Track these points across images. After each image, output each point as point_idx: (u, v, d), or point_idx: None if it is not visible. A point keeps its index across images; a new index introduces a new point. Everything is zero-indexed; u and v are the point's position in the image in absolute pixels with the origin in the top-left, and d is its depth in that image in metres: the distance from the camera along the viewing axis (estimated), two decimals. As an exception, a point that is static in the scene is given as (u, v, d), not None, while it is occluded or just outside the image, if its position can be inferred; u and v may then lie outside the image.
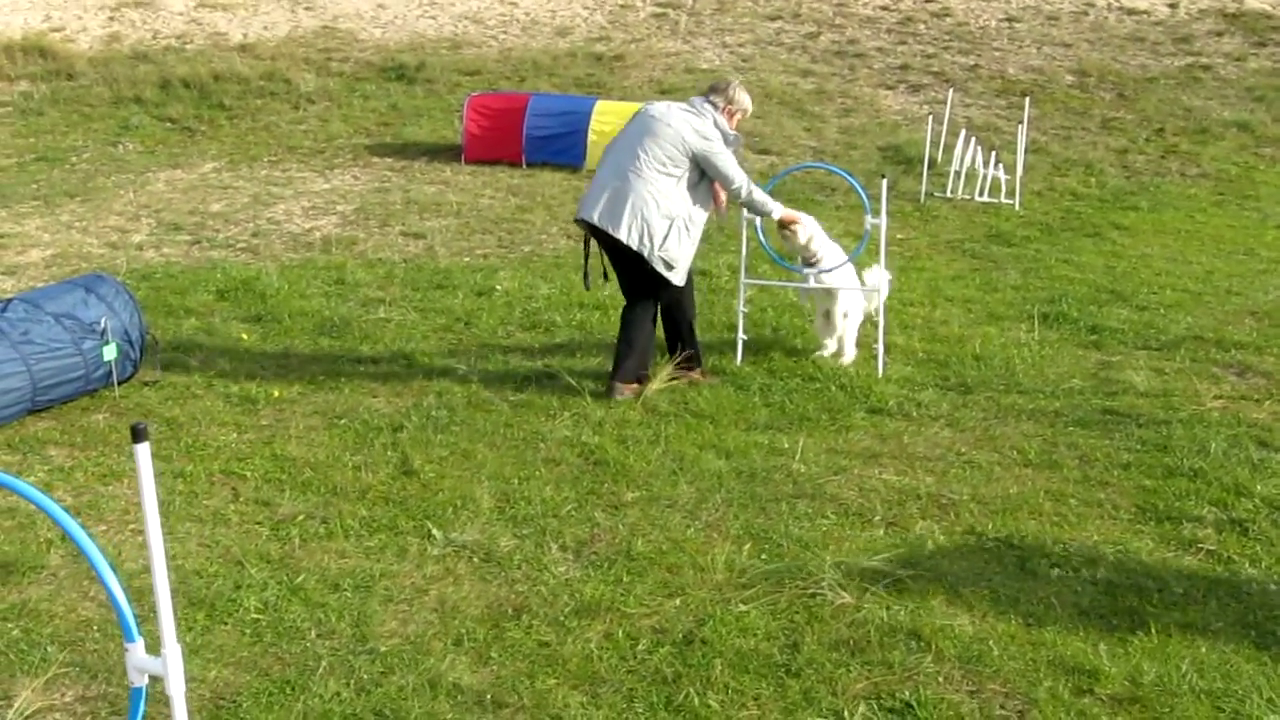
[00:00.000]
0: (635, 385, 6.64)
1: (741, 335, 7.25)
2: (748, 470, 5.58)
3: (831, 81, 17.11)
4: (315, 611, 4.20)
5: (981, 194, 12.52)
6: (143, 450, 2.02)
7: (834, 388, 6.77)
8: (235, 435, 6.06)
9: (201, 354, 7.37)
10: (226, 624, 4.13)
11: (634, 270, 6.53)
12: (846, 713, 3.51)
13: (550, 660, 3.83)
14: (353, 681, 3.72)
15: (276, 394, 6.60)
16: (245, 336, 7.72)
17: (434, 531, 4.88)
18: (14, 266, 9.68)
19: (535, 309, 8.44)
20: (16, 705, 3.57)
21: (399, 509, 5.14)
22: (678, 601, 4.25)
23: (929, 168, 12.87)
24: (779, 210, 6.76)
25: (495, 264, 9.92)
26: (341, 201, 12.32)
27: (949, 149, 13.14)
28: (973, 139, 12.88)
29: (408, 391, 6.74)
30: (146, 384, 6.74)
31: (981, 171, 12.57)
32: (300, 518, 5.03)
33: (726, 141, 6.48)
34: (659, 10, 20.32)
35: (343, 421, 6.24)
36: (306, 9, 20.74)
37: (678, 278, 6.46)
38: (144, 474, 2.04)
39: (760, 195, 6.68)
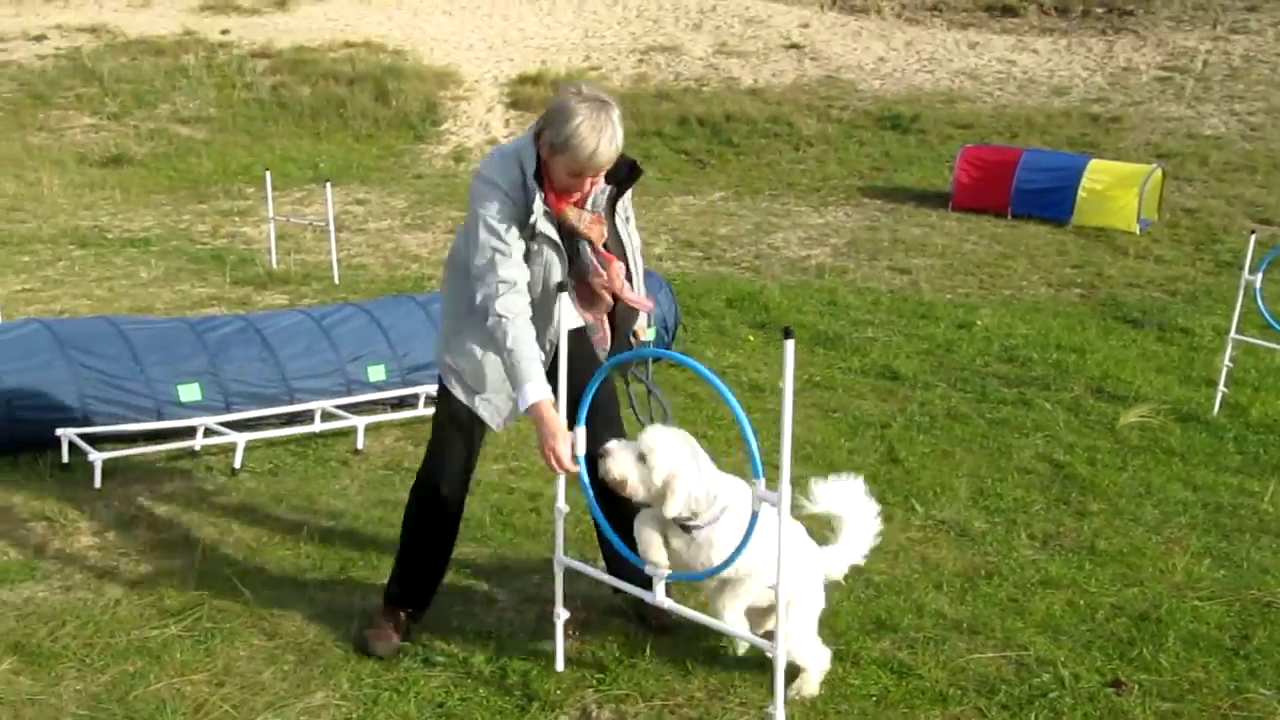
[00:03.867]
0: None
1: (1222, 388, 7.45)
2: (1213, 503, 5.91)
3: (1351, 156, 16.20)
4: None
5: None
6: (789, 345, 2.99)
7: (1315, 446, 6.87)
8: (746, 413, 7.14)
9: (715, 348, 8.58)
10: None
11: None
12: (1290, 690, 3.93)
13: (1018, 610, 4.50)
14: (851, 596, 4.58)
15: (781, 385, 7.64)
16: (751, 339, 8.88)
17: (917, 507, 5.66)
18: (560, 264, 11.49)
19: (1013, 345, 8.99)
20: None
21: (886, 486, 5.96)
22: (1135, 590, 4.76)
23: None
24: (534, 392, 3.53)
25: (976, 302, 10.54)
26: (834, 235, 13.41)
27: None
28: None
29: (893, 398, 7.57)
30: (673, 365, 8.02)
31: None
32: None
33: (494, 199, 3.65)
34: (1164, 74, 19.99)
35: (836, 414, 7.16)
36: (812, 59, 22.22)
37: (487, 416, 3.95)
38: (788, 363, 3.01)
39: (516, 336, 3.57)
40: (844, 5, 25.70)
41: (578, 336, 3.89)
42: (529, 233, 3.68)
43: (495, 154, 3.75)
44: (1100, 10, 23.20)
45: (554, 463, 3.53)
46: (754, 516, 3.22)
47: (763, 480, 3.16)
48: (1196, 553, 5.22)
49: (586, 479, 3.60)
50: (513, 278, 3.61)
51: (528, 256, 3.70)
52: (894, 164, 17.26)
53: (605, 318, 3.96)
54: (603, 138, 3.55)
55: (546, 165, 3.67)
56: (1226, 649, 4.23)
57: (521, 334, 3.58)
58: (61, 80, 21.20)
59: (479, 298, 3.64)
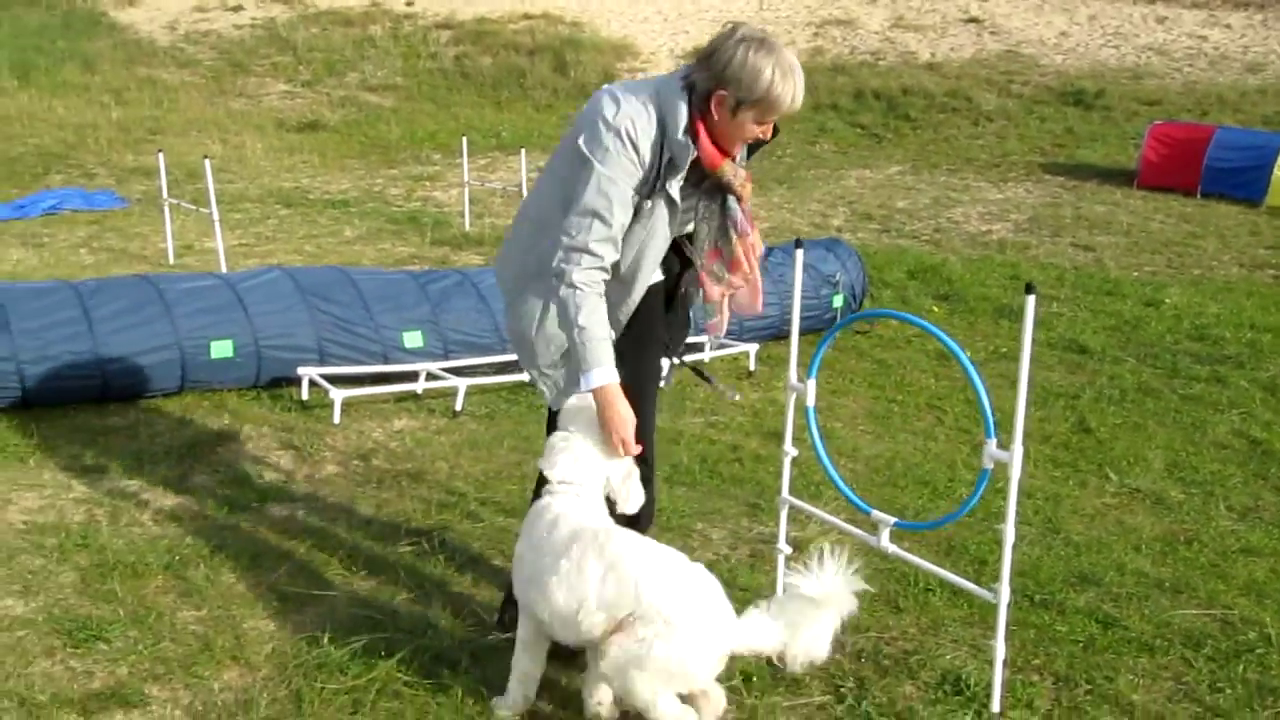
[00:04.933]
0: None
1: None
2: None
3: None
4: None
5: None
6: (1030, 300, 3.16)
7: None
8: (934, 380, 7.28)
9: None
10: (945, 500, 5.30)
11: None
12: None
13: (1219, 574, 4.57)
14: (1051, 553, 4.72)
15: (968, 355, 7.73)
16: (936, 310, 8.97)
17: (1111, 475, 5.75)
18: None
19: (1204, 324, 8.88)
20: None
21: (1078, 454, 6.05)
22: (1340, 564, 4.79)
23: None
24: (601, 376, 3.21)
25: (1164, 281, 10.40)
26: (1014, 211, 13.31)
27: None
28: None
29: (1081, 371, 7.60)
30: (858, 332, 8.18)
31: None
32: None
33: (636, 164, 3.20)
34: (1369, 51, 19.10)
35: (1024, 384, 7.22)
36: (992, 33, 21.87)
37: (545, 391, 3.62)
38: (1028, 318, 3.18)
39: (590, 312, 3.22)
40: (1025, -22, 25.17)
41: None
42: (648, 191, 3.24)
43: (635, 104, 3.19)
44: (1300, -17, 22.24)
45: (621, 449, 3.26)
46: (984, 474, 3.38)
47: (994, 440, 3.32)
48: (1403, 534, 5.19)
49: (816, 430, 3.84)
50: (603, 253, 3.20)
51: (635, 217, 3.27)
52: (1076, 140, 16.95)
53: (729, 298, 3.57)
54: (795, 77, 3.14)
55: (707, 122, 3.20)
56: None
57: (595, 310, 3.20)
58: (258, 49, 22.30)
59: (556, 258, 3.22)
